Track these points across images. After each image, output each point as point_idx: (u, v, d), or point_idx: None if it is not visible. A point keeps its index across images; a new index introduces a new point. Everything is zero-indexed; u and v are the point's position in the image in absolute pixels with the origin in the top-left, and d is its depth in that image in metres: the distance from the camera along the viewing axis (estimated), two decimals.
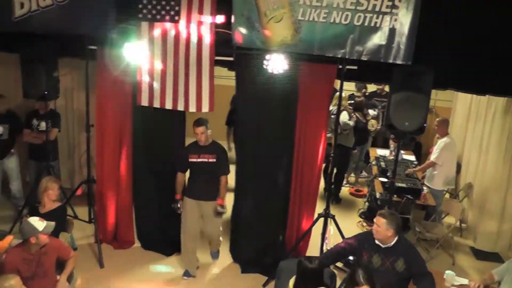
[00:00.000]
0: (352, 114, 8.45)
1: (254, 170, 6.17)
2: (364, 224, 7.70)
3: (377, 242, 4.70)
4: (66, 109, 7.79)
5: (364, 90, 9.33)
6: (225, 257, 6.66)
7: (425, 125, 5.35)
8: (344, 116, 8.14)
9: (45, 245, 4.57)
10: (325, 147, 6.01)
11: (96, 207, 6.65)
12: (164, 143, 6.43)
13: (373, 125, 8.91)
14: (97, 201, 6.67)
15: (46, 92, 6.17)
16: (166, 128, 6.35)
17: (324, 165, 6.70)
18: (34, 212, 5.21)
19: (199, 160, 5.92)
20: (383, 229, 4.62)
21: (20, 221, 5.78)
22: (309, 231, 6.19)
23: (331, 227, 6.21)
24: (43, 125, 6.88)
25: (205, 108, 5.85)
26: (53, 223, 4.76)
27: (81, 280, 5.31)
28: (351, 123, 8.28)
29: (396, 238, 4.67)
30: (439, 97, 9.26)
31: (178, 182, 6.08)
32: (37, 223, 4.52)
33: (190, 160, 5.95)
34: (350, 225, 7.41)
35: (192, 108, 5.86)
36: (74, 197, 6.95)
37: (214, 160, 5.92)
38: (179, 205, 6.01)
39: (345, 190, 9.15)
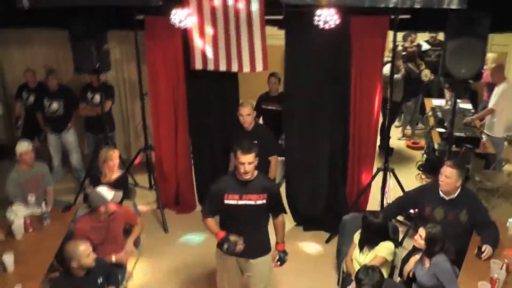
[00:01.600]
0: (401, 67, 8.22)
1: (310, 128, 6.08)
2: (423, 176, 7.60)
3: (441, 194, 4.63)
4: (117, 80, 7.88)
5: (411, 38, 8.98)
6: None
7: (482, 71, 5.21)
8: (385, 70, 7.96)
9: (113, 213, 4.70)
10: (381, 100, 5.91)
11: (156, 174, 6.77)
12: (218, 107, 6.43)
13: (426, 75, 8.67)
14: (156, 168, 6.78)
15: (97, 66, 6.24)
16: (220, 92, 6.35)
17: None
18: (96, 183, 5.33)
19: (240, 203, 4.23)
20: (453, 180, 4.53)
21: (83, 192, 5.97)
22: (369, 185, 6.16)
23: (391, 181, 6.17)
24: (97, 98, 7.02)
25: (259, 67, 5.80)
26: (121, 193, 4.89)
27: (147, 243, 5.46)
28: (399, 76, 8.07)
29: (460, 189, 4.60)
30: (495, 42, 8.93)
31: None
32: (106, 192, 4.64)
33: (226, 202, 4.24)
34: (409, 178, 7.32)
35: (246, 69, 5.83)
36: (133, 166, 7.11)
37: (264, 201, 4.25)
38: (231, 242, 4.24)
39: (402, 144, 9.02)
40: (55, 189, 6.08)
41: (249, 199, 4.18)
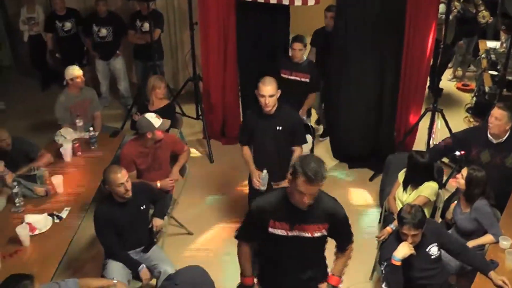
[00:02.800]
0: (455, 7, 7.83)
1: (359, 64, 5.88)
2: (471, 119, 7.41)
3: (489, 137, 4.51)
4: (167, 9, 7.79)
5: None
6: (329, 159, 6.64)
7: None
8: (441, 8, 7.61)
9: (160, 140, 4.75)
10: (434, 39, 5.70)
11: (203, 104, 6.80)
12: (268, 40, 6.31)
13: (484, 16, 8.28)
14: (204, 99, 6.79)
15: None
16: (270, 25, 6.21)
17: None
18: (144, 110, 5.38)
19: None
20: (503, 122, 4.40)
21: (131, 119, 6.05)
22: (416, 125, 6.05)
23: (439, 122, 6.04)
24: (146, 25, 6.98)
25: (311, 1, 5.64)
26: (168, 121, 4.93)
27: (193, 173, 5.56)
28: (450, 17, 7.68)
29: (508, 133, 4.47)
30: None
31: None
32: (154, 119, 4.68)
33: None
34: (457, 120, 7.15)
35: (298, 2, 5.67)
36: (181, 96, 7.15)
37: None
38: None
39: (451, 85, 8.77)
40: (103, 115, 6.16)
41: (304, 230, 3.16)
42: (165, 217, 4.58)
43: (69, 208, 4.42)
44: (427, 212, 4.28)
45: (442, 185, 5.23)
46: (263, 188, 4.65)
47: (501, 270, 3.69)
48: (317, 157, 2.97)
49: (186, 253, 5.14)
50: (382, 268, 3.67)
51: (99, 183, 4.69)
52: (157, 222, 4.38)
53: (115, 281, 3.74)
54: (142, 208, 4.20)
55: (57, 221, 4.29)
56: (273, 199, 3.15)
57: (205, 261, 4.98)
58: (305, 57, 5.94)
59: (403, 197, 4.49)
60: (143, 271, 4.08)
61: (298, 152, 4.61)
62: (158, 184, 4.77)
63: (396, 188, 4.62)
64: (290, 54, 5.85)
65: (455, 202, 4.33)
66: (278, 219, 3.10)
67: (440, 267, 3.82)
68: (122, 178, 3.96)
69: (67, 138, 5.32)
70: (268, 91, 4.36)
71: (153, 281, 4.20)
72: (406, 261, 3.56)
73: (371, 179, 6.21)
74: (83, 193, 4.65)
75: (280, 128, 4.54)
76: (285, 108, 4.60)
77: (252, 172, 4.77)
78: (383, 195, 5.04)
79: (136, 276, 4.11)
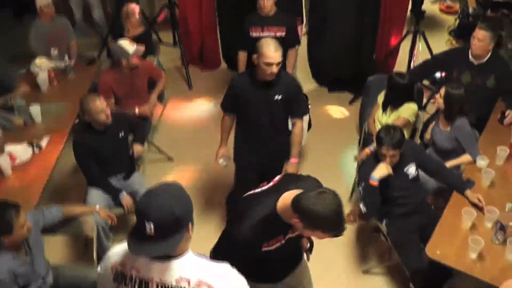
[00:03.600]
0: None
1: None
2: (454, 42, 7.36)
3: (470, 58, 4.49)
4: None
5: None
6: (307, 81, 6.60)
7: None
8: None
9: (137, 67, 4.68)
10: None
11: (180, 30, 6.67)
12: None
13: None
14: (180, 25, 6.66)
15: None
16: None
17: None
18: (119, 38, 5.27)
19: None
20: (485, 43, 4.36)
21: (107, 47, 5.94)
22: (397, 47, 6.01)
23: (420, 44, 6.00)
24: None
25: None
26: (142, 47, 4.85)
27: (171, 99, 5.53)
28: None
29: (490, 53, 4.46)
30: None
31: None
32: (127, 45, 4.59)
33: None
34: (439, 43, 7.08)
35: None
36: (157, 23, 7.01)
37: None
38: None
39: (435, 8, 8.66)
40: (79, 44, 6.03)
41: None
42: (145, 144, 4.58)
43: (48, 137, 4.39)
44: (406, 133, 4.32)
45: (422, 107, 5.26)
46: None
47: (477, 189, 3.77)
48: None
49: (167, 178, 5.17)
50: (360, 189, 3.73)
51: (77, 111, 4.64)
52: (137, 148, 4.38)
53: (97, 208, 3.78)
54: (121, 135, 4.19)
55: (37, 150, 4.28)
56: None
57: (186, 186, 5.05)
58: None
59: (382, 118, 4.50)
60: (125, 197, 4.13)
61: (299, 126, 3.98)
62: (137, 110, 4.74)
63: (376, 110, 4.63)
64: (258, 6, 4.98)
65: (434, 122, 4.36)
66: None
67: (418, 187, 3.88)
68: (101, 104, 3.92)
69: (42, 68, 5.22)
70: (277, 58, 3.60)
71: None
72: (384, 181, 3.60)
73: (351, 102, 6.23)
74: (62, 122, 4.61)
75: (280, 97, 3.80)
76: (284, 74, 3.92)
77: (219, 150, 4.20)
78: (363, 118, 5.07)
79: (118, 203, 4.16)
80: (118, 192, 4.13)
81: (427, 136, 4.42)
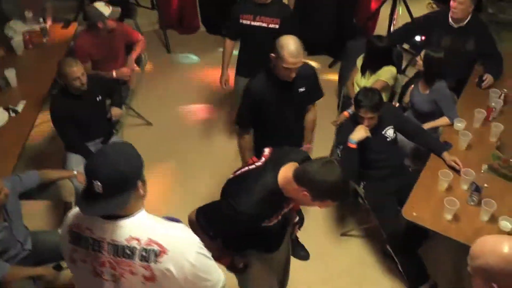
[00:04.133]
0: None
1: None
2: (434, 6, 7.33)
3: (450, 22, 4.48)
4: None
5: None
6: None
7: None
8: None
9: (113, 30, 4.60)
10: None
11: None
12: None
13: None
14: None
15: None
16: None
17: None
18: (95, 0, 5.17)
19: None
20: (465, 6, 4.34)
21: (83, 10, 5.81)
22: (377, 11, 5.99)
23: (400, 8, 5.97)
24: None
25: None
26: (119, 9, 4.73)
27: (150, 63, 5.46)
28: None
29: (470, 17, 4.45)
30: None
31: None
32: (103, 8, 4.50)
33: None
34: (420, 7, 7.03)
35: None
36: None
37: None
38: None
39: None
40: (54, 7, 5.87)
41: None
42: (123, 108, 4.54)
43: (24, 102, 4.33)
44: (385, 96, 4.33)
45: (401, 71, 5.27)
46: None
47: (454, 151, 3.82)
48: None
49: (145, 143, 5.14)
50: (338, 152, 3.75)
51: (53, 75, 4.57)
52: (115, 111, 4.34)
53: (75, 172, 3.76)
54: (98, 99, 4.14)
55: (13, 115, 4.23)
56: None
57: (165, 151, 5.06)
58: None
59: (361, 82, 4.50)
60: None
61: (314, 112, 3.82)
62: (114, 73, 4.68)
63: (355, 73, 4.63)
64: None
65: (413, 85, 4.38)
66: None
67: (396, 149, 3.92)
68: (78, 71, 3.86)
69: (17, 31, 5.11)
70: (298, 63, 3.31)
71: None
72: (362, 144, 3.62)
73: (330, 65, 6.22)
74: (38, 86, 4.53)
75: (303, 89, 3.55)
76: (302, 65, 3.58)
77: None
78: (342, 81, 5.05)
79: None
80: None
81: (406, 99, 4.44)
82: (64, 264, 3.36)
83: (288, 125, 3.67)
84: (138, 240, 1.91)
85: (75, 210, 2.07)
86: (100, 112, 4.23)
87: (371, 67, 4.45)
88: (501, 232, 3.21)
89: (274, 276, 3.11)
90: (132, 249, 1.91)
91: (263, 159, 2.61)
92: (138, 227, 1.93)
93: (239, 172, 2.63)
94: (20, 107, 4.28)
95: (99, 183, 1.82)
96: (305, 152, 2.77)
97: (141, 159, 1.95)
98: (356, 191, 4.02)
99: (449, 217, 3.33)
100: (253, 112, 3.56)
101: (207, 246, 2.24)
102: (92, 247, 1.97)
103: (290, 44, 3.22)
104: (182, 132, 5.33)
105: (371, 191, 3.88)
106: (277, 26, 4.21)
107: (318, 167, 2.32)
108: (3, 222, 3.14)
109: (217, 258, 2.60)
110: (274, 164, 2.53)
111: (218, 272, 2.06)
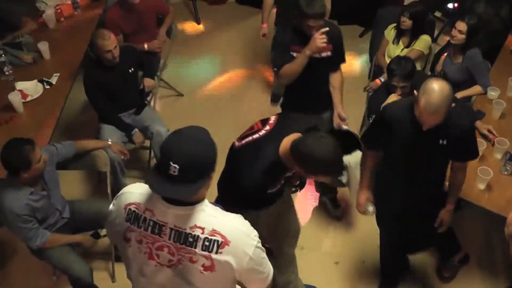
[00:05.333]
0: None
1: None
2: None
3: None
4: None
5: None
6: None
7: None
8: None
9: (143, 2, 4.61)
10: None
11: None
12: None
13: None
14: None
15: None
16: None
17: None
18: None
19: None
20: None
21: None
22: None
23: None
24: None
25: None
26: None
27: (179, 35, 5.48)
28: None
29: None
30: None
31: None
32: None
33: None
34: None
35: None
36: None
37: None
38: None
39: None
40: None
41: None
42: (155, 79, 4.58)
43: (58, 74, 4.41)
44: (419, 65, 4.29)
45: (433, 39, 5.19)
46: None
47: (487, 120, 3.79)
48: None
49: (177, 114, 5.20)
50: (370, 121, 3.73)
51: (85, 47, 4.63)
52: (148, 82, 4.39)
53: (109, 142, 3.83)
54: (130, 70, 4.18)
55: (48, 87, 4.30)
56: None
57: (197, 122, 5.08)
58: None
59: (395, 51, 4.43)
60: (136, 134, 4.16)
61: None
62: (146, 46, 4.71)
63: (385, 45, 4.56)
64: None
65: (445, 54, 4.31)
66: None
67: None
68: (110, 45, 3.89)
69: (49, 4, 5.16)
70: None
71: (147, 143, 4.31)
72: None
73: (361, 35, 6.17)
74: (71, 58, 4.59)
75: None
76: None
77: (360, 195, 3.30)
78: (373, 51, 5.00)
79: (130, 140, 4.20)
80: (131, 129, 4.16)
81: (438, 68, 4.38)
82: (102, 232, 3.46)
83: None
84: (202, 229, 1.89)
85: (134, 188, 2.05)
86: (132, 84, 4.27)
87: (408, 34, 4.39)
88: None
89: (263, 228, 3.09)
90: (195, 237, 1.89)
91: (267, 127, 2.66)
92: (203, 216, 1.91)
93: (244, 142, 2.66)
94: (54, 80, 4.36)
95: (177, 166, 1.78)
96: (314, 120, 2.81)
97: (217, 151, 1.92)
98: None
99: (482, 186, 3.31)
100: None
101: None
102: (152, 229, 1.94)
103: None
104: (213, 103, 5.36)
105: None
106: (329, 54, 3.63)
107: (311, 142, 2.38)
108: (42, 191, 3.23)
109: None
110: (278, 133, 2.59)
111: (269, 265, 2.06)
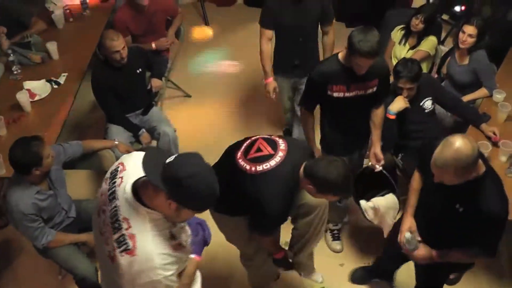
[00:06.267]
0: None
1: None
2: None
3: None
4: None
5: None
6: None
7: None
8: None
9: (153, 3, 4.63)
10: None
11: None
12: None
13: None
14: None
15: None
16: None
17: None
18: None
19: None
20: None
21: None
22: None
23: None
24: None
25: None
26: None
27: (188, 36, 5.50)
28: None
29: None
30: None
31: None
32: None
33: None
34: None
35: None
36: None
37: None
38: None
39: None
40: None
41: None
42: (163, 79, 4.59)
43: (66, 74, 4.44)
44: (425, 67, 4.29)
45: (440, 42, 5.18)
46: None
47: (493, 122, 3.77)
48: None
49: (184, 115, 5.23)
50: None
51: (94, 48, 4.66)
52: (155, 82, 4.41)
53: (116, 142, 3.85)
54: (138, 71, 4.20)
55: (56, 86, 4.33)
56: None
57: (204, 123, 5.13)
58: None
59: (401, 52, 4.44)
60: (144, 135, 4.19)
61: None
62: (153, 45, 4.73)
63: (391, 46, 4.56)
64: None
65: (451, 56, 4.31)
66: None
67: (434, 121, 3.88)
68: (119, 46, 3.91)
69: (58, 5, 5.19)
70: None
71: (154, 143, 4.32)
72: (400, 114, 3.61)
73: None
74: (79, 58, 4.62)
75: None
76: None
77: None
78: (380, 52, 5.00)
79: (137, 140, 4.22)
80: (138, 130, 4.18)
81: (444, 69, 4.38)
82: None
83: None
84: (129, 227, 1.93)
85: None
86: (140, 84, 4.29)
87: (415, 36, 4.39)
88: None
89: None
90: (120, 227, 1.95)
91: (281, 153, 2.73)
92: (141, 221, 1.94)
93: (261, 168, 2.69)
94: (62, 79, 4.39)
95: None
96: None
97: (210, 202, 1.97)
98: (394, 163, 4.00)
99: None
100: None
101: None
102: (110, 193, 2.02)
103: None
104: (221, 104, 5.37)
105: (409, 162, 3.86)
106: (375, 90, 3.37)
107: (324, 164, 2.58)
108: (48, 190, 3.25)
109: (274, 252, 3.11)
110: (293, 161, 2.71)
111: None
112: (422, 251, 2.88)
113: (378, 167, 3.51)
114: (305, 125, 3.58)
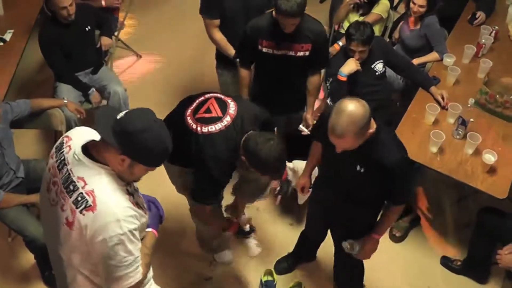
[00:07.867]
0: None
1: None
2: None
3: None
4: None
5: None
6: None
7: None
8: None
9: None
10: None
11: None
12: None
13: None
14: None
15: None
16: None
17: None
18: None
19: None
20: None
21: None
22: None
23: None
24: None
25: None
26: None
27: None
28: None
29: None
30: None
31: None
32: None
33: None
34: None
35: None
36: None
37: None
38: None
39: None
40: None
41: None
42: (113, 38, 4.50)
43: (12, 31, 4.30)
44: (377, 30, 4.32)
45: (393, 7, 5.23)
46: None
47: (442, 86, 3.87)
48: None
49: (134, 75, 5.16)
50: (328, 84, 3.76)
51: (41, 3, 4.51)
52: (105, 40, 4.33)
53: (65, 101, 3.77)
54: (87, 29, 4.11)
55: (1, 44, 4.20)
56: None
57: (153, 80, 5.11)
58: None
59: (354, 18, 4.44)
60: (94, 94, 4.12)
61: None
62: (103, 2, 4.61)
63: (343, 10, 4.55)
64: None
65: (403, 21, 4.36)
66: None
67: (384, 83, 3.92)
68: (66, 1, 3.80)
69: None
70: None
71: (104, 102, 4.26)
72: (351, 77, 3.63)
73: (321, 1, 6.16)
74: (25, 14, 4.49)
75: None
76: None
77: None
78: (333, 15, 5.01)
79: (87, 99, 4.15)
80: (87, 89, 4.11)
81: (396, 34, 4.43)
82: None
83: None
84: (85, 184, 1.89)
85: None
86: (89, 42, 4.20)
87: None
88: (484, 165, 3.30)
89: None
90: (75, 187, 1.91)
91: (228, 117, 2.75)
92: (96, 177, 1.90)
93: (207, 129, 2.72)
94: (7, 36, 4.25)
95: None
96: (271, 119, 2.99)
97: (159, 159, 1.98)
98: None
99: (434, 149, 3.40)
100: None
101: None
102: (58, 164, 1.99)
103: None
104: (171, 64, 5.31)
105: None
106: (307, 54, 3.43)
107: (259, 141, 2.60)
108: None
109: (227, 228, 3.13)
110: (241, 128, 2.73)
111: (131, 271, 1.97)
112: (368, 246, 2.95)
113: (306, 131, 3.64)
114: (240, 80, 3.62)
